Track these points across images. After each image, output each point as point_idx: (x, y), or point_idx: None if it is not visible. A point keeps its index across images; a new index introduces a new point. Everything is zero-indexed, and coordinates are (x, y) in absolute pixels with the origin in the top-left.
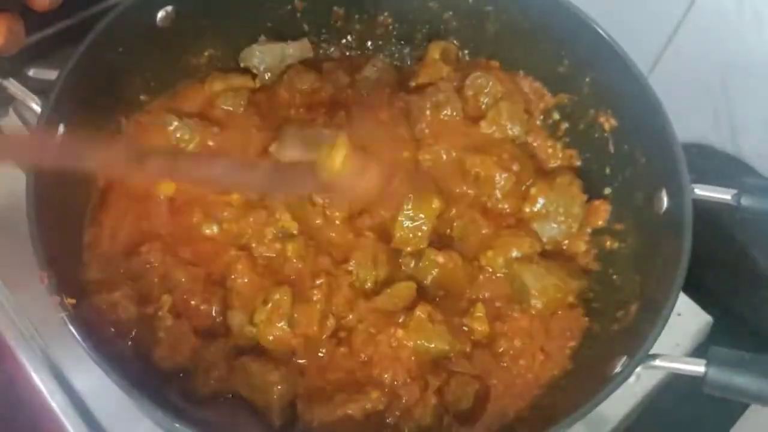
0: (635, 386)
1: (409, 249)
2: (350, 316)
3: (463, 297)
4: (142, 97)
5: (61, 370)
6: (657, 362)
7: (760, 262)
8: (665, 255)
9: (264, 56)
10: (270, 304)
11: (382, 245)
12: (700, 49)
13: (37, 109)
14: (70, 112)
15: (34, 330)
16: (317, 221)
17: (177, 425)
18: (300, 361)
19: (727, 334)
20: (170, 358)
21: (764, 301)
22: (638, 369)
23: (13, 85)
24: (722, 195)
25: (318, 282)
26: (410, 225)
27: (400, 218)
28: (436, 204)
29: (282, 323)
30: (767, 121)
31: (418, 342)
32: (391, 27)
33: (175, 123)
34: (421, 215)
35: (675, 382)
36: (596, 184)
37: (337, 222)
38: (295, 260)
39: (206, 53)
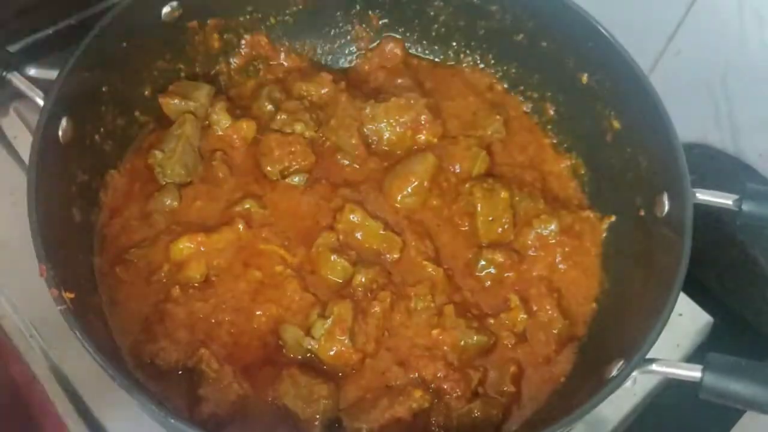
0: (635, 387)
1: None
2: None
3: (499, 295)
4: (146, 92)
5: (61, 369)
6: (653, 367)
7: (761, 262)
8: (665, 259)
9: None
10: (331, 319)
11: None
12: (700, 49)
13: (40, 102)
14: (74, 106)
15: (34, 330)
16: (395, 255)
17: (172, 420)
18: (340, 374)
19: (728, 334)
20: (216, 409)
21: (765, 301)
22: (634, 374)
23: (16, 78)
24: (724, 200)
25: (378, 298)
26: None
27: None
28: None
29: (344, 338)
30: (767, 121)
31: (456, 338)
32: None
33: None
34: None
35: (674, 384)
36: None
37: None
38: (360, 288)
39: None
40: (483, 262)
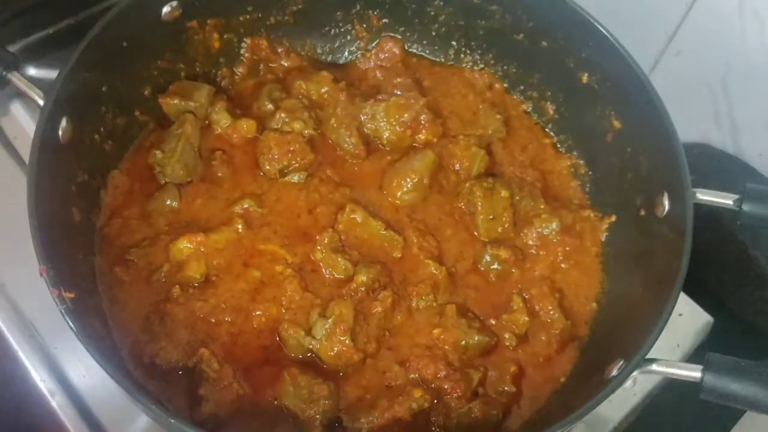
0: (635, 387)
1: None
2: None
3: (503, 292)
4: (146, 92)
5: (61, 369)
6: (653, 367)
7: (761, 263)
8: (665, 259)
9: None
10: (332, 319)
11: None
12: (700, 49)
13: (41, 102)
14: (74, 106)
15: (34, 329)
16: (397, 254)
17: (172, 420)
18: (341, 373)
19: (728, 334)
20: (216, 409)
21: (765, 301)
22: (635, 374)
23: (16, 78)
24: (724, 200)
25: (379, 298)
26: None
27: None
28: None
29: (345, 338)
30: (767, 121)
31: (457, 338)
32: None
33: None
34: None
35: (674, 383)
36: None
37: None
38: (362, 288)
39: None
40: (488, 258)
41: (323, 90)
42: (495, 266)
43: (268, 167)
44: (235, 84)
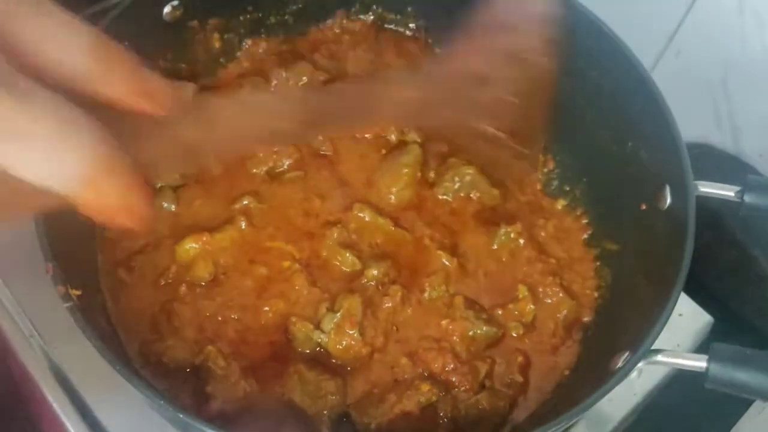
0: (636, 385)
1: None
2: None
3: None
4: None
5: (62, 369)
6: (659, 357)
7: (762, 263)
8: (667, 251)
9: None
10: (340, 312)
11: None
12: (700, 49)
13: None
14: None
15: (34, 329)
16: (408, 249)
17: (181, 416)
18: (348, 368)
19: (729, 334)
20: (224, 405)
21: (765, 301)
22: (640, 365)
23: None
24: (725, 192)
25: (389, 293)
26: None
27: None
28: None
29: (353, 331)
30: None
31: (465, 329)
32: None
33: None
34: None
35: (676, 382)
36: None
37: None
38: (372, 282)
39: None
40: (502, 232)
41: (302, 80)
42: (512, 236)
43: (254, 171)
44: (213, 73)
